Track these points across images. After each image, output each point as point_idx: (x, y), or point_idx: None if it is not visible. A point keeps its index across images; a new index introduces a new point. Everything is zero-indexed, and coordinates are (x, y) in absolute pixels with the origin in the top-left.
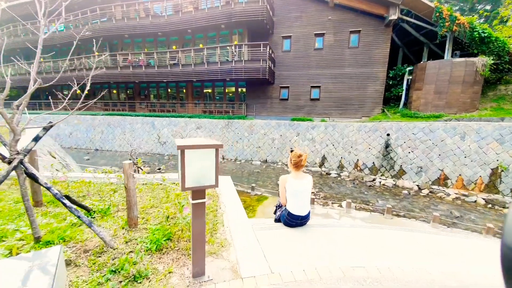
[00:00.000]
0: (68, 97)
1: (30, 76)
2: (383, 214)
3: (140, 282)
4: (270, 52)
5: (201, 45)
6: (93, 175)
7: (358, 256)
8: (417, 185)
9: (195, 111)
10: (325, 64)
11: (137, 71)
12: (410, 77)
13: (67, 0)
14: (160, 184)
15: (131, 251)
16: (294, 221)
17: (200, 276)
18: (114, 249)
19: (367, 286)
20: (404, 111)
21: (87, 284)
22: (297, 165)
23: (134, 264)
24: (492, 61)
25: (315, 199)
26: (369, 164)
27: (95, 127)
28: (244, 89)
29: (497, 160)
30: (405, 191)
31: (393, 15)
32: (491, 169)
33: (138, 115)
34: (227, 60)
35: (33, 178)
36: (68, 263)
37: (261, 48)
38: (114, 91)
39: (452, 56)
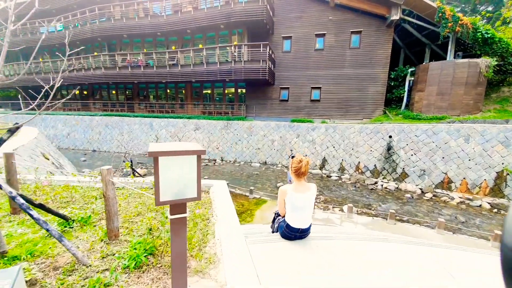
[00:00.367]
0: (40, 97)
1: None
2: (386, 219)
3: None
4: (270, 52)
5: (200, 45)
6: (77, 179)
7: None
8: (420, 189)
9: (194, 112)
10: (325, 65)
11: (136, 72)
12: (412, 78)
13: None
14: (152, 188)
15: (106, 269)
16: (292, 233)
17: None
18: (87, 266)
19: None
20: (406, 112)
21: None
22: (298, 173)
23: (107, 287)
24: (496, 62)
25: (316, 203)
26: (370, 167)
27: (93, 128)
28: (243, 90)
29: (502, 163)
30: (408, 195)
31: (395, 15)
32: (496, 172)
33: (136, 116)
34: (227, 60)
35: None
36: (33, 283)
37: (261, 49)
38: (113, 92)
39: (454, 57)
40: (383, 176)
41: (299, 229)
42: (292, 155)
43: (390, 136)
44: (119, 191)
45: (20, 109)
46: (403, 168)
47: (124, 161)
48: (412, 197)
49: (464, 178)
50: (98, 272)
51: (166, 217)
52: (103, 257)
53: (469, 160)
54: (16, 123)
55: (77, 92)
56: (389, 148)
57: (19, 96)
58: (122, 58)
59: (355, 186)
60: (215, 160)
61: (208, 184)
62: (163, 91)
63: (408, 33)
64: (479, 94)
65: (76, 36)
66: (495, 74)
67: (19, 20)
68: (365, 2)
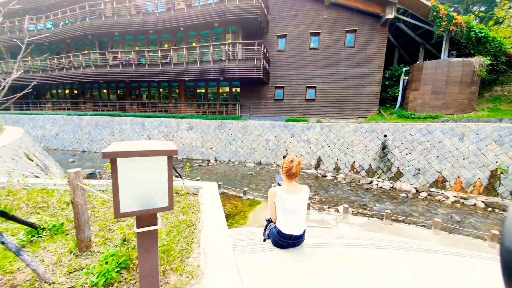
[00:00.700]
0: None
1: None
2: (382, 220)
3: None
4: (265, 51)
5: (194, 44)
6: (54, 181)
7: None
8: (415, 188)
9: (188, 111)
10: (320, 64)
11: (127, 70)
12: (407, 78)
13: None
14: None
15: (71, 287)
16: (285, 241)
17: None
18: (49, 284)
19: None
20: (401, 111)
21: None
22: (289, 173)
23: None
24: (489, 62)
25: (311, 204)
26: (365, 166)
27: (83, 128)
28: (238, 89)
29: (496, 162)
30: (403, 194)
31: (390, 14)
32: (490, 171)
33: (127, 115)
34: (221, 59)
35: None
36: None
37: (256, 47)
38: (104, 91)
39: (448, 57)
40: (378, 176)
41: (292, 235)
42: (285, 155)
43: (385, 135)
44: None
45: None
46: (398, 167)
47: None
48: (407, 196)
49: (458, 177)
50: None
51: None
52: (70, 272)
53: (464, 159)
54: None
55: (66, 91)
56: (384, 147)
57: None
58: (113, 56)
59: (350, 186)
60: (208, 160)
61: (197, 186)
62: (156, 90)
63: (402, 32)
64: (473, 93)
65: (66, 34)
66: (488, 74)
67: (7, 18)
68: (359, 1)
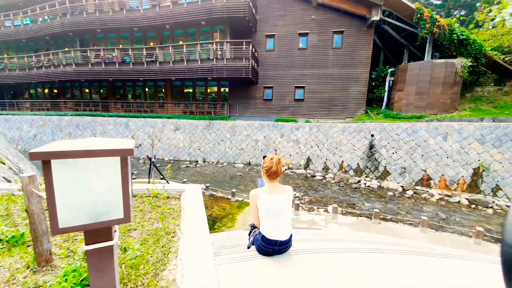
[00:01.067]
0: None
1: None
2: (371, 219)
3: None
4: (253, 50)
5: (181, 42)
6: (17, 186)
7: None
8: (402, 186)
9: (175, 111)
10: (309, 64)
11: (110, 68)
12: (392, 79)
13: None
14: None
15: None
16: (270, 247)
17: None
18: None
19: None
20: (387, 112)
21: None
22: (270, 172)
23: None
24: (471, 63)
25: (300, 204)
26: (353, 166)
27: (62, 129)
28: (226, 89)
29: (479, 160)
30: (390, 193)
31: (375, 16)
32: (473, 169)
33: (111, 116)
34: (208, 58)
35: None
36: None
37: (244, 46)
38: (86, 90)
39: (432, 58)
40: (366, 175)
41: (277, 241)
42: (265, 155)
43: (372, 135)
44: None
45: None
46: (385, 166)
47: None
48: (394, 195)
49: (442, 175)
50: None
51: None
52: None
53: (447, 157)
54: None
55: (46, 90)
56: (371, 146)
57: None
58: (95, 54)
59: (339, 185)
60: (196, 161)
61: (180, 189)
62: (141, 90)
63: (387, 34)
64: (455, 93)
65: (45, 30)
66: (469, 75)
67: None
68: (346, 2)
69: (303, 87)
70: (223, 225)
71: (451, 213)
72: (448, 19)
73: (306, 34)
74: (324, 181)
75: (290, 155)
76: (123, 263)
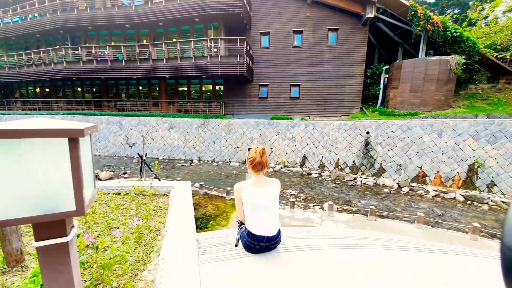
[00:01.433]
0: None
1: None
2: (366, 216)
3: None
4: (248, 48)
5: (174, 39)
6: None
7: None
8: (397, 183)
9: (170, 110)
10: (304, 62)
11: (102, 66)
12: (387, 76)
13: None
14: (106, 193)
15: None
16: (257, 244)
17: None
18: None
19: None
20: (382, 109)
21: None
22: (254, 164)
23: None
24: (464, 60)
25: (295, 202)
26: (349, 163)
27: None
28: (221, 87)
29: (473, 156)
30: (386, 190)
31: (370, 13)
32: (468, 165)
33: (104, 115)
34: (203, 55)
35: None
36: None
37: (238, 43)
38: (79, 89)
39: (426, 55)
40: (361, 172)
41: (264, 237)
42: (250, 147)
43: (368, 132)
44: None
45: None
46: (381, 164)
47: None
48: (390, 192)
49: (438, 172)
50: None
51: (89, 226)
52: None
53: (442, 154)
54: None
55: (37, 89)
56: (366, 144)
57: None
58: (87, 51)
59: (335, 183)
60: (191, 160)
61: (169, 186)
62: (135, 88)
63: (382, 32)
64: (449, 90)
65: (35, 28)
66: (463, 72)
67: None
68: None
69: (298, 85)
70: (217, 224)
71: (447, 209)
72: (442, 16)
73: (301, 32)
74: (320, 178)
75: (286, 153)
76: (95, 263)
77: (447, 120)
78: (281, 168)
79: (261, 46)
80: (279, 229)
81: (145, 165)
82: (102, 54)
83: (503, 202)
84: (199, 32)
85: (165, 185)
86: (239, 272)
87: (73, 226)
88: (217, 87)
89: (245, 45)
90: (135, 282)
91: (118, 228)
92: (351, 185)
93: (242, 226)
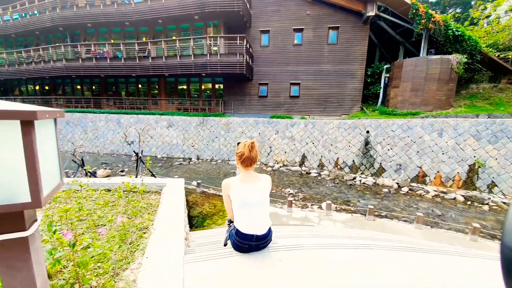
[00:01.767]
0: None
1: None
2: (365, 216)
3: None
4: (248, 46)
5: (174, 37)
6: None
7: None
8: (397, 183)
9: (169, 108)
10: (304, 61)
11: (102, 64)
12: (388, 75)
13: None
14: (95, 190)
15: None
16: (245, 242)
17: None
18: None
19: None
20: (382, 108)
21: None
22: (243, 159)
23: None
24: (466, 60)
25: (293, 201)
26: (349, 162)
27: None
28: (221, 86)
29: (474, 156)
30: (385, 190)
31: (371, 12)
32: (469, 165)
33: (102, 112)
34: (202, 53)
35: None
36: None
37: (238, 41)
38: (78, 87)
39: (427, 54)
40: (361, 172)
41: (254, 236)
42: (239, 142)
43: (368, 131)
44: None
45: None
46: (380, 163)
47: (75, 162)
48: (390, 191)
49: (438, 172)
50: None
51: (72, 223)
52: None
53: (443, 153)
54: None
55: (37, 87)
56: (366, 143)
57: None
58: (86, 49)
59: (334, 182)
60: (190, 158)
61: (161, 183)
62: (134, 86)
63: (383, 30)
64: (450, 90)
65: (35, 25)
66: (464, 72)
67: None
68: None
69: (298, 84)
70: (213, 222)
71: (446, 209)
72: (444, 15)
73: (301, 30)
74: (319, 178)
75: (285, 152)
76: (73, 261)
77: (448, 119)
78: (280, 167)
79: (261, 44)
80: (270, 228)
81: (141, 163)
82: (101, 51)
83: (504, 202)
84: (198, 30)
85: (157, 182)
86: (225, 272)
87: (35, 220)
88: (216, 86)
89: (245, 43)
90: (116, 281)
91: (105, 225)
92: (350, 185)
93: (231, 224)
